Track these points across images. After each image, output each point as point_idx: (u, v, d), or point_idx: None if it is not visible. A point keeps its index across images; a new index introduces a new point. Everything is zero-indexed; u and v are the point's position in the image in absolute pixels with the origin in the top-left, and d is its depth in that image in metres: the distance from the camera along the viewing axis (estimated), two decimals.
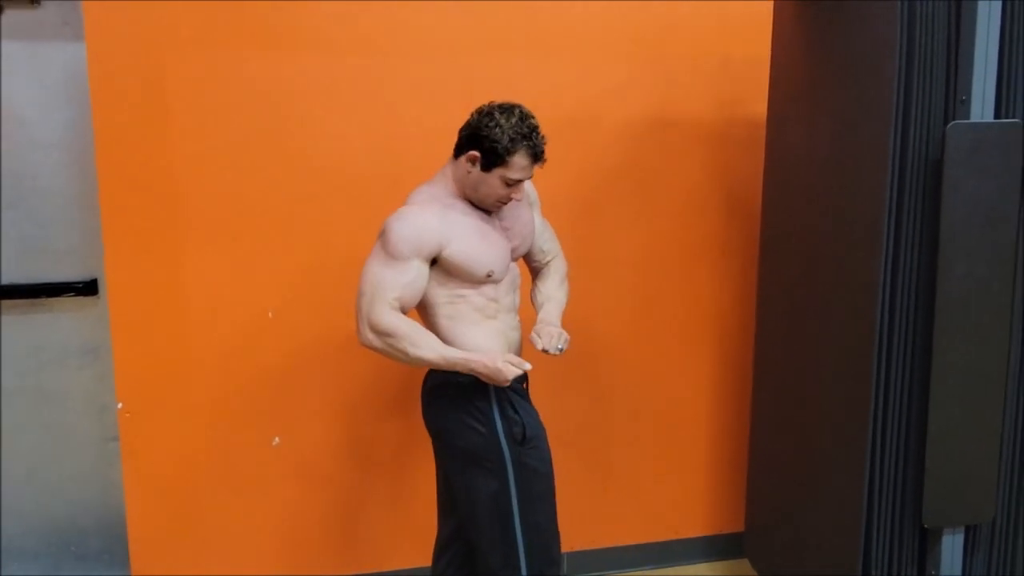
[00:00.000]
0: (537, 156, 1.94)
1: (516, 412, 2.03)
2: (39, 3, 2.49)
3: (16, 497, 2.72)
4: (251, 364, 2.55)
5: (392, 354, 1.93)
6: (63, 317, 2.66)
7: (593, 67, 2.60)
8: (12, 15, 2.48)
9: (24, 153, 2.54)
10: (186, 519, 2.59)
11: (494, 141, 1.90)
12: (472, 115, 1.97)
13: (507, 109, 1.93)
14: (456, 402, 2.01)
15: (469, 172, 1.95)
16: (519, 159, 1.92)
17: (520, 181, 1.95)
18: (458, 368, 1.93)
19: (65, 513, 2.76)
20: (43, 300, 2.63)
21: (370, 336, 1.91)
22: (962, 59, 1.90)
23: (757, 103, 2.57)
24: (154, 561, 2.57)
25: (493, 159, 1.92)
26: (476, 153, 1.92)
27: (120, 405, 2.49)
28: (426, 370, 2.06)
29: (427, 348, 1.92)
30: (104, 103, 2.34)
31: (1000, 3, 1.87)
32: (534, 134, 1.93)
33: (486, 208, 2.01)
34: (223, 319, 2.50)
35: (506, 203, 2.00)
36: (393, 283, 1.91)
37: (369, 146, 2.52)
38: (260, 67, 2.41)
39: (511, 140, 1.90)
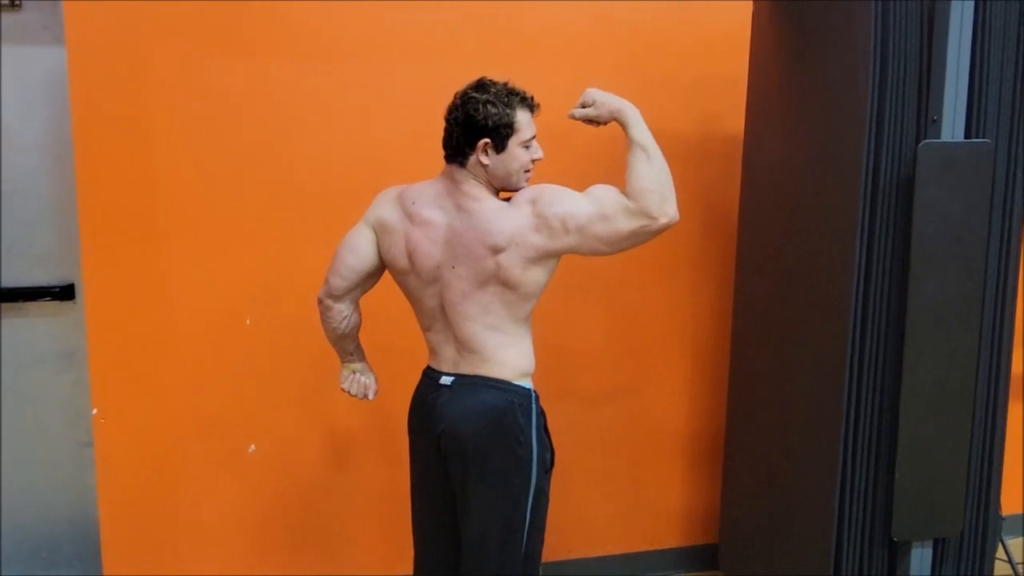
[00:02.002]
0: (531, 105, 1.91)
1: (548, 436, 2.02)
2: (20, 6, 2.48)
3: None
4: (228, 371, 2.54)
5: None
6: (39, 321, 2.64)
7: (571, 81, 2.61)
8: None
9: (2, 156, 2.53)
10: (160, 526, 2.57)
11: (492, 117, 1.85)
12: (448, 119, 1.92)
13: (474, 87, 1.90)
14: (507, 424, 1.95)
15: (487, 164, 1.89)
16: (521, 116, 1.88)
17: (533, 138, 1.92)
18: None
19: (37, 519, 2.73)
20: (19, 304, 2.61)
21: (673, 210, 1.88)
22: (933, 80, 1.94)
23: (734, 119, 2.61)
24: (126, 569, 2.55)
25: (504, 132, 1.87)
26: (486, 139, 1.86)
27: (95, 411, 2.48)
28: (437, 389, 2.00)
29: None
30: (84, 107, 2.34)
31: (971, 26, 1.91)
32: (513, 89, 1.91)
33: (518, 187, 1.94)
34: (200, 326, 2.49)
35: (530, 169, 1.94)
36: None
37: (349, 153, 2.52)
38: (240, 73, 2.42)
39: (505, 105, 1.86)
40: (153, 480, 2.55)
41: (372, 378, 2.21)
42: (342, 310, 2.09)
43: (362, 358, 2.22)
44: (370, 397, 2.20)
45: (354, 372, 2.20)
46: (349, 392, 2.20)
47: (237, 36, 2.41)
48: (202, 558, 2.60)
